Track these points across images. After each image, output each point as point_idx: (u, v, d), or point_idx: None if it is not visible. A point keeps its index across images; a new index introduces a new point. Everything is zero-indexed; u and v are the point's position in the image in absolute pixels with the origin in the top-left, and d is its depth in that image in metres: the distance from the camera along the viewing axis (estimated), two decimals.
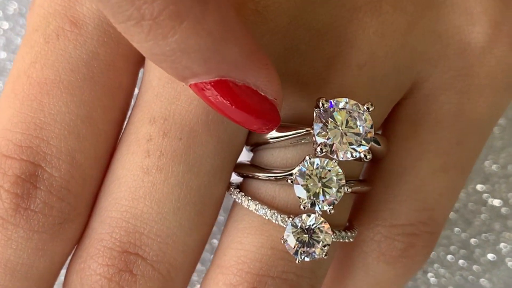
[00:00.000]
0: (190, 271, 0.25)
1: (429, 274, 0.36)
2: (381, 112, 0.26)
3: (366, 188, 0.26)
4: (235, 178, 0.26)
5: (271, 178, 0.24)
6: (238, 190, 0.25)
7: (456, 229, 0.36)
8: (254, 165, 0.25)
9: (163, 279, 0.24)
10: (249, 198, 0.24)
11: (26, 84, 0.24)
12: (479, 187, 0.36)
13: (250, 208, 0.24)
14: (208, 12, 0.19)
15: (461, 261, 0.36)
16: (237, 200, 0.25)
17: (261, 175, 0.24)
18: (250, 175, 0.25)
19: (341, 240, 0.25)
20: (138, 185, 0.24)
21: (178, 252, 0.24)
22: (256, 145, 0.25)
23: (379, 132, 0.27)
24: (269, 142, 0.24)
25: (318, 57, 0.24)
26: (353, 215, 0.28)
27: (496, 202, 0.36)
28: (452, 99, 0.26)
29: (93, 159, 0.24)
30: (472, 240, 0.36)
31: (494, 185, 0.36)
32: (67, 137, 0.24)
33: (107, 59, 0.24)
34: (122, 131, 0.25)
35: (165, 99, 0.24)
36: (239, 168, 0.25)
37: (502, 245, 0.36)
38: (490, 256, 0.36)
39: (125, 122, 0.26)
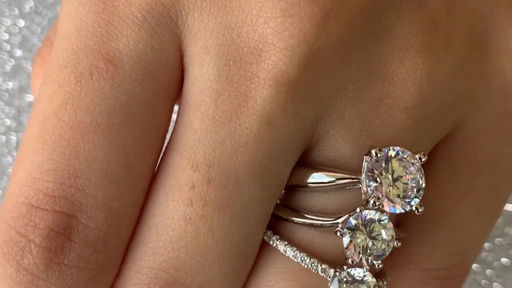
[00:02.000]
0: None
1: None
2: None
3: (402, 235, 0.25)
4: None
5: (314, 225, 0.23)
6: (272, 232, 0.24)
7: None
8: (289, 207, 0.24)
9: None
10: (286, 243, 0.24)
11: (57, 128, 0.22)
12: None
13: (287, 254, 0.23)
14: None
15: (474, 265, 0.36)
16: (272, 244, 0.24)
17: (300, 220, 0.24)
18: (285, 218, 0.24)
19: None
20: (180, 235, 0.23)
21: None
22: (293, 186, 0.24)
23: None
24: (307, 186, 0.24)
25: (366, 97, 0.23)
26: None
27: (510, 207, 0.36)
28: (492, 143, 0.26)
29: (131, 207, 0.23)
30: (486, 245, 0.36)
31: None
32: (104, 185, 0.23)
33: (146, 99, 0.23)
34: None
35: (208, 144, 0.23)
36: (275, 209, 0.24)
37: None
38: (503, 260, 0.36)
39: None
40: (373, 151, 0.22)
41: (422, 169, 0.23)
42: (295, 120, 0.23)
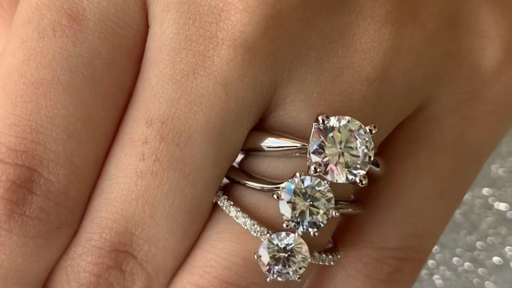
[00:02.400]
0: None
1: (435, 277, 0.37)
2: (383, 132, 0.25)
3: (357, 211, 0.25)
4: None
5: (258, 187, 0.23)
6: (222, 192, 0.24)
7: (462, 232, 0.36)
8: (243, 171, 0.24)
9: (151, 279, 0.24)
10: (231, 203, 0.24)
11: (20, 84, 0.23)
12: (485, 191, 0.36)
13: (231, 215, 0.24)
14: None
15: (466, 264, 0.36)
16: (219, 203, 0.24)
17: (249, 183, 0.24)
18: (237, 180, 0.24)
19: (320, 263, 0.24)
20: (131, 188, 0.23)
21: (168, 257, 0.24)
22: (249, 150, 0.24)
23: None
24: (263, 150, 0.24)
25: (327, 65, 0.23)
26: (340, 235, 0.27)
27: (502, 206, 0.36)
28: (456, 124, 0.26)
29: (92, 162, 0.24)
30: (478, 244, 0.36)
31: (501, 189, 0.36)
32: (65, 141, 0.23)
33: (109, 57, 0.23)
34: None
35: (164, 101, 0.23)
36: (229, 171, 0.24)
37: (507, 248, 0.36)
38: (495, 259, 0.36)
39: None
40: (320, 118, 0.22)
41: (371, 141, 0.22)
42: (252, 84, 0.23)
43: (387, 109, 0.24)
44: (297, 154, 0.23)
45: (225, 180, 0.25)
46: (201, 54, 0.23)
